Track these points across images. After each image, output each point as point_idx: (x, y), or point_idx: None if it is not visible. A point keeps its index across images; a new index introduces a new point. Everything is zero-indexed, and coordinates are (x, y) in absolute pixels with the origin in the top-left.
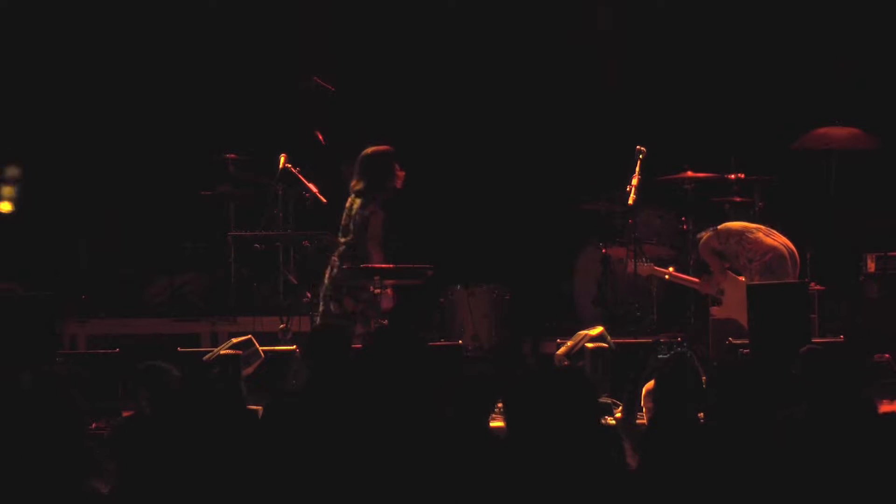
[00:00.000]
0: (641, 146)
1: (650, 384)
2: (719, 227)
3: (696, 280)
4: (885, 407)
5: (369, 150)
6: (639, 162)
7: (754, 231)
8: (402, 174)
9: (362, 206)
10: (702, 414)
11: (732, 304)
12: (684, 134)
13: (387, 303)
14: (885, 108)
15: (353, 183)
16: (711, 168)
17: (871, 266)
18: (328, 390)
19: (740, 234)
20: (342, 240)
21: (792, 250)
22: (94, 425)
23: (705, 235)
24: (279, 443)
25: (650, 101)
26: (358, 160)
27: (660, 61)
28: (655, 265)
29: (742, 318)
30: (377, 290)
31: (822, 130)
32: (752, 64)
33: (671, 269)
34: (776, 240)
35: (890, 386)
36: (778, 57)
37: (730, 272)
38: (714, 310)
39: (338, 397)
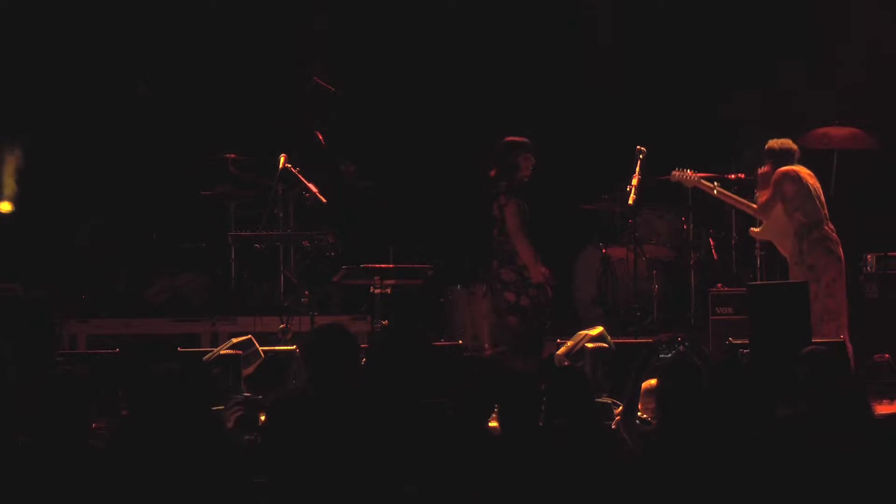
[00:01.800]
0: (641, 146)
1: (650, 382)
2: (804, 175)
3: (744, 200)
4: (886, 407)
5: (505, 139)
6: (639, 162)
7: (826, 221)
8: (530, 164)
9: (494, 199)
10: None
11: (773, 229)
12: (684, 134)
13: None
14: (886, 107)
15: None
16: (711, 168)
17: (872, 266)
18: (330, 390)
19: (815, 213)
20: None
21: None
22: (94, 425)
23: (786, 168)
24: (281, 443)
25: (650, 101)
26: (495, 149)
27: (660, 61)
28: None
29: (777, 244)
30: (377, 291)
31: (822, 130)
32: (752, 64)
33: (716, 183)
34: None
35: (890, 386)
36: (778, 56)
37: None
38: (753, 231)
39: (340, 397)
